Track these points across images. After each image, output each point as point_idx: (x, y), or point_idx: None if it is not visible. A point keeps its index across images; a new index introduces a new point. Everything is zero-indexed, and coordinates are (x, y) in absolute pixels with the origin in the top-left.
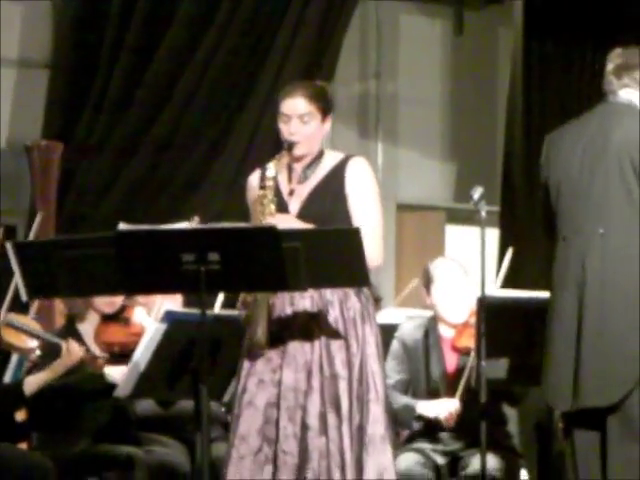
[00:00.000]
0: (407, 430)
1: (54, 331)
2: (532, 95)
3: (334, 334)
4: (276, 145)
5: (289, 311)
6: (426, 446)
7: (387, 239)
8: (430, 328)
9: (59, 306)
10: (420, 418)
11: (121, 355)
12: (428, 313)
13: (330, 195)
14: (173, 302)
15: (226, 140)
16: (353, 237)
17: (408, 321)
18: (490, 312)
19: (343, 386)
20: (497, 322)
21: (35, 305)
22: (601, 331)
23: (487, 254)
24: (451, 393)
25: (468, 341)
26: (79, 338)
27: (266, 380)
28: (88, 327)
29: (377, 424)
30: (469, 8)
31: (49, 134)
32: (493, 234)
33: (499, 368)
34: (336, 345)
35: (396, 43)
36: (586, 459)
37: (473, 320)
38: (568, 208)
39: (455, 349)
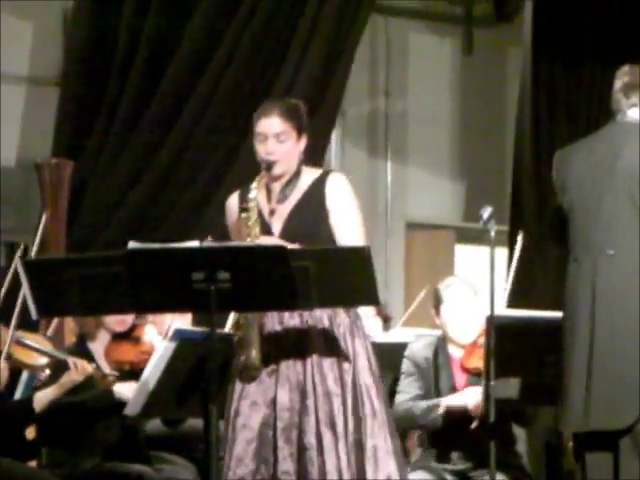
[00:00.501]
0: (423, 438)
1: (65, 349)
2: (541, 114)
3: (325, 352)
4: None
5: (279, 330)
6: (436, 466)
7: (396, 258)
8: (439, 347)
9: (70, 324)
10: (445, 416)
11: (131, 373)
12: (437, 332)
13: (311, 213)
14: (183, 320)
15: (235, 159)
16: (362, 256)
17: (417, 340)
18: (499, 332)
19: (337, 403)
20: (506, 342)
21: (53, 325)
22: (611, 353)
23: (496, 273)
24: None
25: (477, 362)
26: (89, 356)
27: (259, 402)
28: (99, 346)
29: (376, 438)
30: (478, 27)
31: (59, 152)
32: (502, 253)
33: (508, 388)
34: (328, 363)
35: (405, 61)
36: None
37: (482, 340)
38: (579, 229)
39: (464, 369)
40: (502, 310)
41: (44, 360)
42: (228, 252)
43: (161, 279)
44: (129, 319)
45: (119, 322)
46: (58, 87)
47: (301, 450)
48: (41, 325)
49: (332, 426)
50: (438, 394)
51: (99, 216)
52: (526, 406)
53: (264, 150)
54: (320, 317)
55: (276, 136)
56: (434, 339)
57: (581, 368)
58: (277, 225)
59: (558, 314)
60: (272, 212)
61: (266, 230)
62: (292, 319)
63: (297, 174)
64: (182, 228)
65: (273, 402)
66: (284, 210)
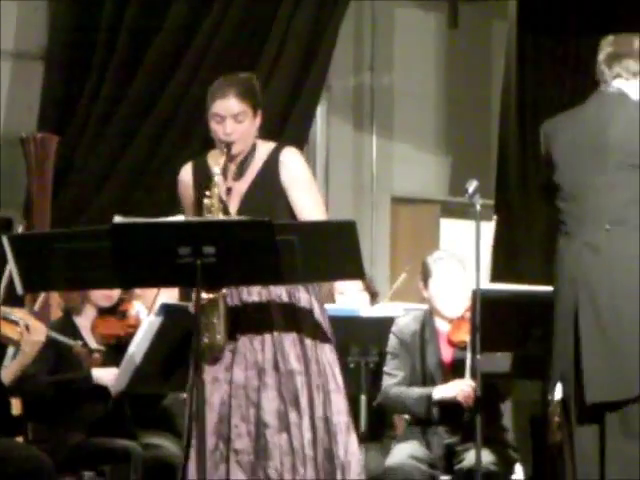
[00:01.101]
0: (410, 418)
1: (50, 324)
2: (526, 88)
3: (285, 329)
4: (269, 134)
5: (238, 307)
6: (421, 440)
7: (381, 232)
8: (426, 321)
9: (56, 299)
10: (437, 404)
11: (118, 347)
12: (423, 306)
13: (267, 190)
14: (170, 295)
15: None
16: (348, 230)
17: (405, 314)
18: (485, 305)
19: (300, 381)
20: (492, 315)
21: (40, 300)
22: (617, 325)
23: (482, 247)
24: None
25: (464, 335)
26: (76, 331)
27: (220, 378)
28: (85, 320)
29: (341, 414)
30: (464, 1)
31: (44, 126)
32: (488, 227)
33: (495, 361)
34: (289, 340)
35: (391, 36)
36: (585, 455)
37: (469, 314)
38: (570, 203)
39: (451, 343)
40: (488, 284)
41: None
42: (213, 226)
43: (146, 254)
44: (115, 294)
45: (105, 297)
46: (43, 61)
47: (260, 428)
48: (27, 300)
49: (296, 404)
50: (424, 368)
51: (85, 191)
52: (512, 380)
53: (222, 131)
54: (279, 294)
55: (234, 117)
56: (421, 313)
57: (593, 340)
58: (234, 203)
59: (544, 288)
60: (229, 190)
61: (223, 209)
62: (250, 296)
63: (252, 150)
64: (168, 203)
65: (231, 380)
66: (240, 188)
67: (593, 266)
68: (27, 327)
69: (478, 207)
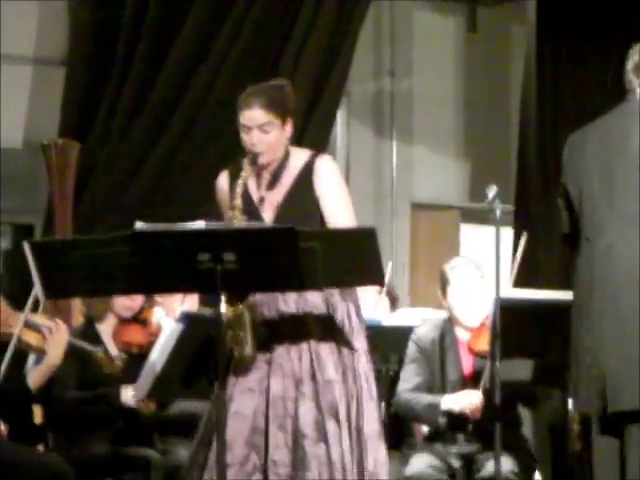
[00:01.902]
0: (429, 428)
1: (72, 331)
2: (545, 93)
3: (322, 338)
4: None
5: (275, 318)
6: (441, 449)
7: (401, 238)
8: (446, 330)
9: (77, 305)
10: (446, 414)
11: (139, 355)
12: (443, 313)
13: (302, 199)
14: (191, 302)
15: (240, 141)
16: (368, 236)
17: (424, 323)
18: (505, 313)
19: (338, 390)
20: (512, 323)
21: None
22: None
23: (502, 253)
24: None
25: (485, 344)
26: (97, 338)
27: (254, 389)
28: (107, 327)
29: (373, 422)
30: (482, 5)
31: (66, 132)
32: (508, 233)
33: (515, 370)
34: (326, 349)
35: (410, 41)
36: (605, 465)
37: (490, 322)
38: (591, 209)
39: (472, 352)
40: (508, 291)
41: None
42: (234, 233)
43: (167, 260)
44: (137, 304)
45: (127, 308)
46: (64, 67)
47: (296, 439)
48: (47, 306)
49: (334, 414)
50: (444, 377)
51: (106, 197)
52: (533, 388)
53: (249, 141)
54: (316, 303)
55: (260, 127)
56: (440, 321)
57: (615, 346)
58: (268, 214)
59: (564, 295)
60: (262, 200)
61: (255, 218)
62: (287, 306)
63: (286, 158)
64: (189, 208)
65: (267, 390)
66: (274, 198)
67: (613, 270)
68: (50, 330)
69: (498, 213)
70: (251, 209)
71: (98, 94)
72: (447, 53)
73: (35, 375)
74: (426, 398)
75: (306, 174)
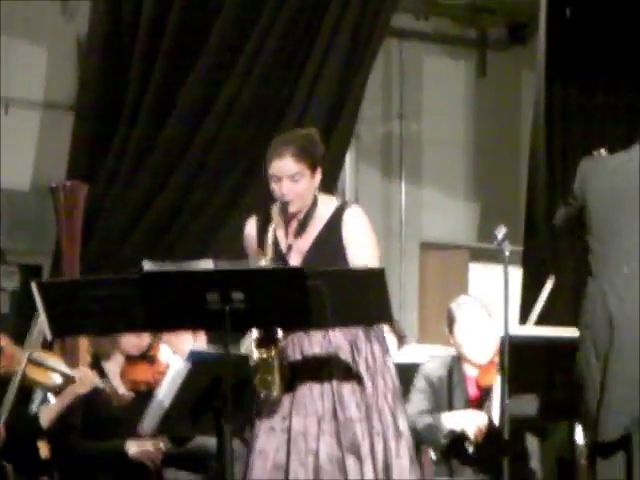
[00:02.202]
0: (433, 450)
1: None
2: (554, 136)
3: (345, 378)
4: None
5: (299, 358)
6: (447, 479)
7: (411, 277)
8: (454, 367)
9: (84, 344)
10: (449, 434)
11: (148, 394)
12: (450, 350)
13: (329, 249)
14: (198, 340)
15: (249, 183)
16: (377, 276)
17: (432, 360)
18: (513, 350)
19: (360, 428)
20: (520, 360)
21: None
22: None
23: (510, 293)
24: None
25: (493, 379)
26: (104, 376)
27: (276, 428)
28: (114, 365)
29: (402, 458)
30: (492, 50)
31: (74, 175)
32: (516, 273)
33: (523, 405)
34: (348, 389)
35: (419, 84)
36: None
37: (498, 359)
38: (597, 244)
39: (479, 387)
40: (516, 329)
41: (59, 379)
42: (242, 273)
43: (175, 300)
44: (145, 342)
45: (135, 346)
46: (72, 112)
47: (317, 474)
48: (56, 346)
49: (356, 451)
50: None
51: (113, 238)
52: (541, 422)
53: (279, 191)
54: (340, 345)
55: (290, 177)
56: (449, 359)
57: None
58: (295, 261)
59: (570, 333)
60: (289, 248)
61: (283, 264)
62: (312, 348)
63: (313, 205)
64: (196, 250)
65: (289, 429)
66: (302, 246)
67: (615, 308)
68: (80, 378)
69: (507, 253)
70: (279, 257)
71: (106, 138)
72: (456, 97)
73: (47, 413)
74: (426, 419)
75: (335, 223)
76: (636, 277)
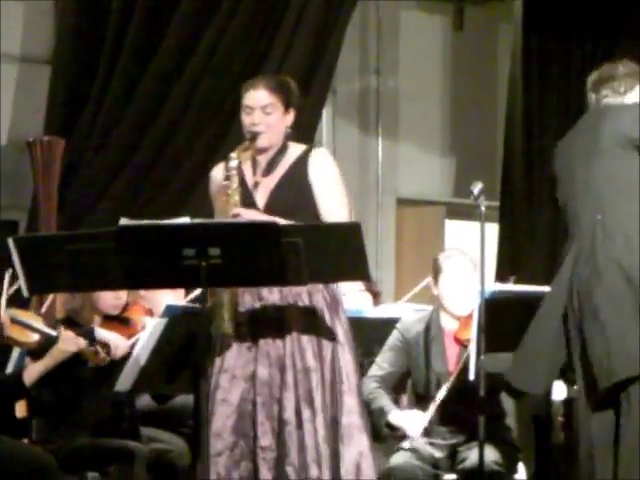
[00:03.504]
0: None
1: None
2: (532, 91)
3: (304, 327)
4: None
5: (258, 305)
6: (424, 439)
7: (387, 234)
8: (432, 320)
9: (60, 300)
10: (389, 425)
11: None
12: (428, 308)
13: (295, 187)
14: (175, 297)
15: (225, 138)
16: (353, 232)
17: (410, 314)
18: (490, 306)
19: (315, 379)
20: (496, 316)
21: (47, 303)
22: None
23: (486, 249)
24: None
25: (470, 333)
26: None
27: (238, 375)
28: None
29: (351, 414)
30: (469, 4)
31: (51, 130)
32: (492, 229)
33: (498, 362)
34: (306, 338)
35: (396, 39)
36: (603, 442)
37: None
38: (573, 210)
39: (457, 341)
40: (493, 285)
41: (36, 337)
42: (219, 228)
43: (152, 255)
44: (122, 302)
45: (113, 307)
46: (49, 65)
47: (281, 425)
48: (34, 303)
49: (310, 402)
50: (429, 366)
51: (90, 194)
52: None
53: (250, 121)
54: (299, 293)
55: (262, 108)
56: (427, 314)
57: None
58: (261, 198)
59: (547, 289)
60: (256, 184)
61: (249, 202)
62: (271, 295)
63: (283, 149)
64: (174, 205)
65: (252, 377)
66: (269, 184)
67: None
68: (66, 336)
69: (483, 209)
70: (245, 194)
71: (83, 92)
72: (433, 51)
73: (31, 372)
74: (383, 401)
75: (301, 163)
76: (609, 219)
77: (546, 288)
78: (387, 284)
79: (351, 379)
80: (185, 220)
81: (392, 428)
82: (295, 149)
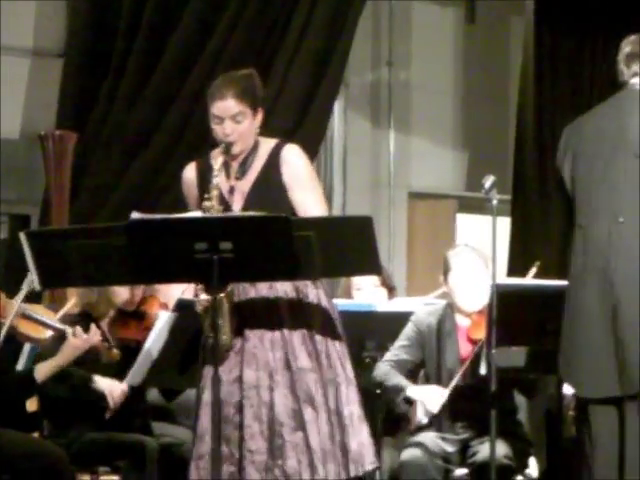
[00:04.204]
0: (401, 411)
1: (70, 319)
2: (544, 83)
3: (294, 326)
4: (287, 131)
5: (246, 306)
6: (435, 434)
7: (399, 227)
8: (446, 315)
9: (72, 294)
10: (407, 401)
11: (136, 351)
12: (441, 301)
13: (269, 187)
14: (188, 290)
15: None
16: (365, 225)
17: (423, 307)
18: (502, 300)
19: (312, 377)
20: (509, 310)
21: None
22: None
23: (498, 243)
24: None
25: (483, 332)
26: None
27: (223, 379)
28: (103, 323)
29: (352, 404)
30: None
31: (63, 124)
32: (504, 222)
33: (510, 356)
34: (299, 338)
35: (408, 31)
36: (606, 445)
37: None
38: (585, 197)
39: (470, 340)
40: (505, 279)
41: (49, 333)
42: (230, 222)
43: (163, 250)
44: (137, 298)
45: (128, 303)
46: (61, 59)
47: (272, 427)
48: (46, 297)
49: (311, 401)
50: (440, 362)
51: (103, 188)
52: (529, 375)
53: (221, 132)
54: (286, 291)
55: (232, 118)
56: (440, 307)
57: (604, 334)
58: (237, 202)
59: (560, 282)
60: (232, 189)
61: (225, 206)
62: (258, 293)
63: (255, 147)
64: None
65: (238, 380)
66: (243, 187)
67: (607, 258)
68: (74, 333)
69: (495, 202)
70: (221, 200)
71: (95, 85)
72: (445, 44)
73: (43, 369)
74: (398, 379)
75: (273, 163)
76: (632, 224)
77: (560, 282)
78: (399, 278)
79: (347, 370)
80: (197, 214)
81: (410, 403)
82: (265, 146)
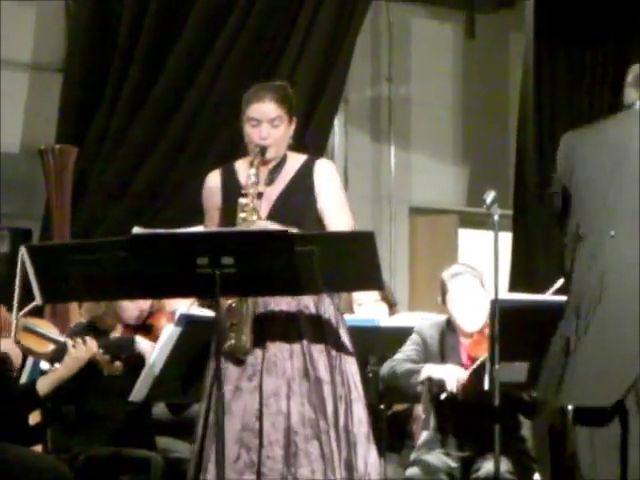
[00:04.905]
0: (411, 397)
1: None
2: (543, 98)
3: (314, 338)
4: (291, 148)
5: (266, 316)
6: (439, 450)
7: (400, 243)
8: (447, 331)
9: (75, 310)
10: (424, 381)
11: (141, 364)
12: (442, 316)
13: (299, 197)
14: (194, 305)
15: (240, 143)
16: (367, 240)
17: (424, 320)
18: (504, 316)
19: (327, 390)
20: (511, 326)
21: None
22: (620, 334)
23: (500, 258)
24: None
25: (484, 352)
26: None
27: (243, 388)
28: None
29: (361, 424)
30: (480, 12)
31: (63, 138)
32: (506, 238)
33: (513, 372)
34: (317, 349)
35: (408, 47)
36: (607, 454)
37: (488, 330)
38: (585, 209)
39: (471, 359)
40: (506, 294)
41: (51, 347)
42: (232, 237)
43: (165, 264)
44: (145, 312)
45: (135, 318)
46: (61, 73)
47: (288, 436)
48: (48, 311)
49: (323, 413)
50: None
51: (103, 201)
52: (533, 396)
53: (258, 135)
54: (307, 304)
55: (270, 121)
56: (441, 321)
57: (592, 345)
58: (265, 208)
59: (562, 298)
60: (259, 195)
61: (255, 211)
62: (278, 305)
63: (284, 158)
64: (186, 214)
65: (258, 388)
66: (272, 193)
67: (599, 273)
68: (74, 345)
69: (496, 217)
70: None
71: (95, 99)
72: (445, 59)
73: (45, 382)
74: (409, 365)
75: (305, 173)
76: (622, 240)
77: (561, 297)
78: (400, 293)
79: (359, 389)
80: (198, 229)
81: (428, 383)
82: (296, 159)
